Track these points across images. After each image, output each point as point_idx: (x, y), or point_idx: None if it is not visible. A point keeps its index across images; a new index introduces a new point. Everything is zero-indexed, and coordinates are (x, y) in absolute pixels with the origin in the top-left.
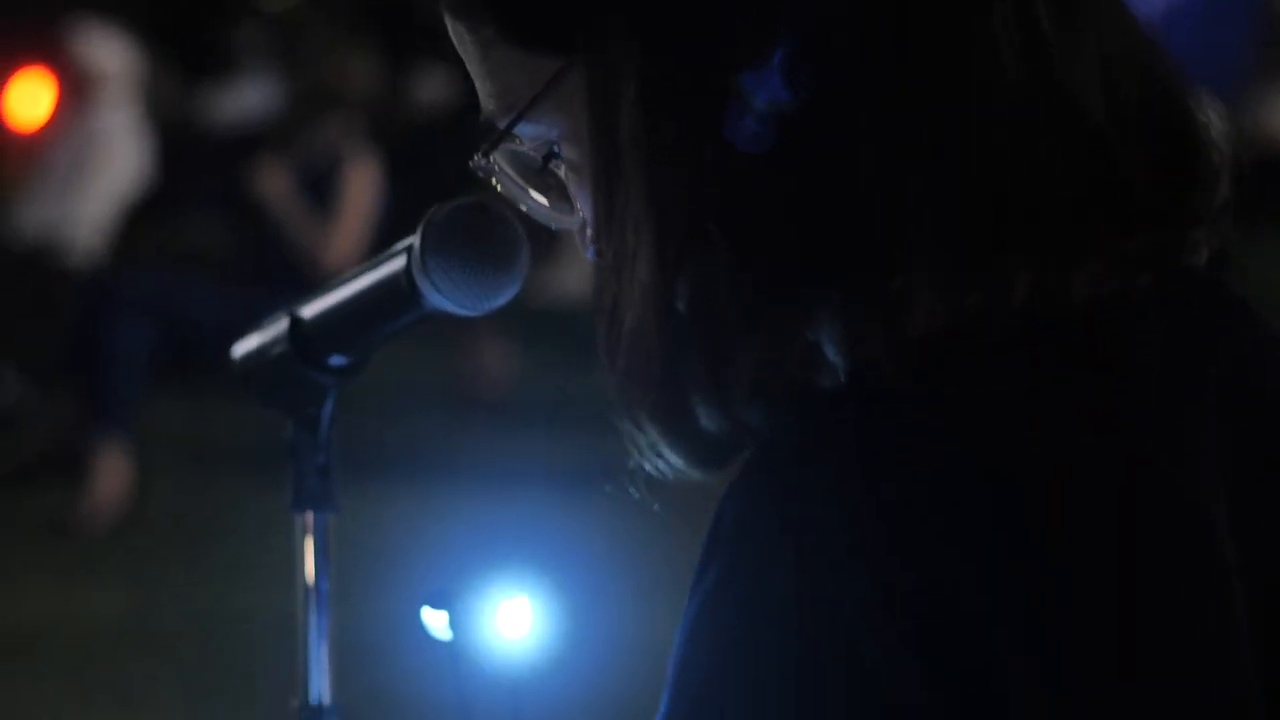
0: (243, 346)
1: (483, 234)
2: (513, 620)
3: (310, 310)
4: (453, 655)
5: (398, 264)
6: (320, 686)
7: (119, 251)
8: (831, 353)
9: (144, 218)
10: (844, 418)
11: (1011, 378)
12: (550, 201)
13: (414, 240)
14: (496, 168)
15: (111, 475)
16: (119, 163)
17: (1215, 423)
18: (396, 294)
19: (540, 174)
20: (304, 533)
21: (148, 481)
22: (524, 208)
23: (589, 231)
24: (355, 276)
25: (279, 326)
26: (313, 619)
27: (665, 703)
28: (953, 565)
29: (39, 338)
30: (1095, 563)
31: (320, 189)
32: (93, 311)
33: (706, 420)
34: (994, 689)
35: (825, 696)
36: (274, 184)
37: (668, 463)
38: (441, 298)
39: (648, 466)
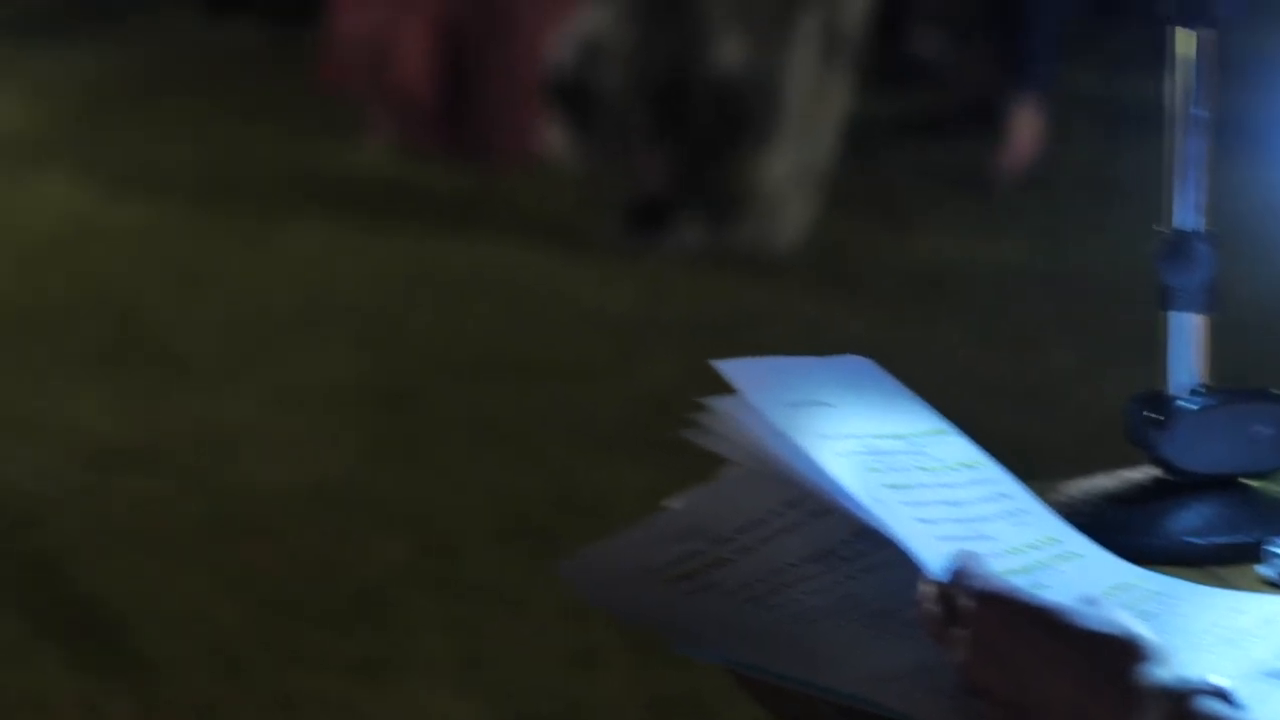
0: None
1: None
2: None
3: None
4: None
5: None
6: (1187, 213)
7: None
8: None
9: None
10: None
11: None
12: None
13: None
14: None
15: (1026, 131)
16: None
17: None
18: None
19: None
20: (1184, 46)
21: (1059, 140)
22: None
23: None
24: None
25: None
26: (1184, 144)
27: None
28: None
29: None
30: None
31: None
32: None
33: None
34: None
35: None
36: None
37: None
38: None
39: None
